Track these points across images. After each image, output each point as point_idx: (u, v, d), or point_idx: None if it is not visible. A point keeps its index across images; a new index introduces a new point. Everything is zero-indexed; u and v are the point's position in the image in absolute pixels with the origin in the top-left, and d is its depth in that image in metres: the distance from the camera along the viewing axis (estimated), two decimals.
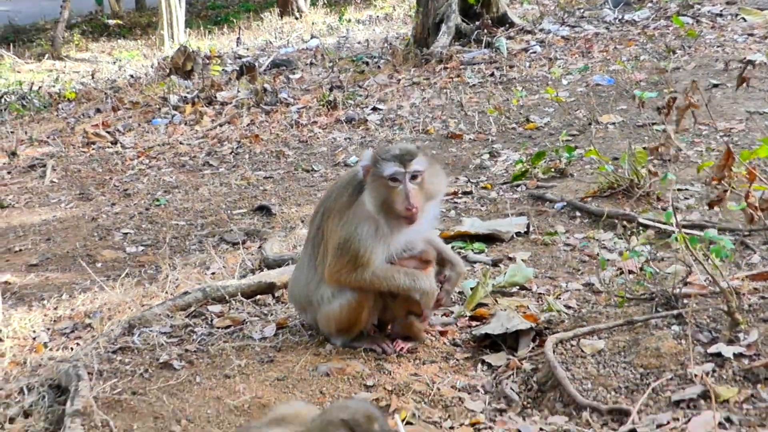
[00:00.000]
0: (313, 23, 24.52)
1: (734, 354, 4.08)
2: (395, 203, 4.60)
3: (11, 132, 14.11)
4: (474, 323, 5.22)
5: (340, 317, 4.84)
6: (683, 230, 4.61)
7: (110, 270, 7.42)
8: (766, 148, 4.30)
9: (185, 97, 14.98)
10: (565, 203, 7.26)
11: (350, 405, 3.12)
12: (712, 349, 4.16)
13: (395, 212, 4.63)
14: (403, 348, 4.90)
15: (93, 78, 19.50)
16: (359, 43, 19.70)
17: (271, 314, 5.61)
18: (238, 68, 16.84)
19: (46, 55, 24.48)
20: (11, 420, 4.50)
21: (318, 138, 11.55)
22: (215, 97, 14.71)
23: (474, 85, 13.17)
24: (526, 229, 6.77)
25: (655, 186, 7.10)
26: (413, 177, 4.63)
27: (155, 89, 15.77)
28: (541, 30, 16.15)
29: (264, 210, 8.67)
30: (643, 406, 3.95)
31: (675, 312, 4.55)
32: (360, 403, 3.25)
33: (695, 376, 4.01)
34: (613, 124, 9.63)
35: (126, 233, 8.47)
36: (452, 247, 6.58)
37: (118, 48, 25.60)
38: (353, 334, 4.91)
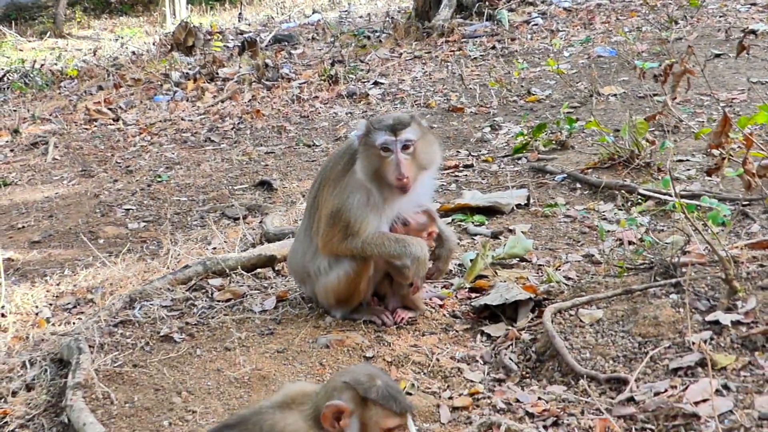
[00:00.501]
0: None
1: (732, 322, 4.08)
2: (386, 173, 4.60)
3: (14, 110, 14.11)
4: (474, 295, 5.23)
5: (339, 288, 4.84)
6: (682, 200, 4.60)
7: (112, 246, 7.43)
8: (764, 115, 4.28)
9: (187, 73, 14.96)
10: (565, 175, 7.26)
11: (351, 368, 3.15)
12: (710, 317, 4.16)
13: (387, 182, 4.63)
14: (403, 319, 4.91)
15: (95, 55, 19.49)
16: (361, 17, 19.65)
17: (272, 287, 5.62)
18: (239, 44, 16.81)
19: (48, 33, 24.45)
20: (14, 393, 4.53)
21: (319, 113, 11.53)
22: (217, 73, 14.69)
23: (475, 58, 13.13)
24: (526, 202, 6.77)
25: (656, 157, 7.09)
26: (405, 147, 4.61)
27: (157, 66, 15.76)
28: (543, 2, 16.10)
29: (265, 185, 8.68)
30: (641, 374, 3.96)
31: (673, 281, 4.54)
32: (361, 365, 3.28)
33: (693, 344, 4.02)
34: (615, 95, 9.60)
35: (128, 209, 8.48)
36: (452, 220, 6.59)
37: (120, 25, 25.57)
38: (352, 305, 4.92)
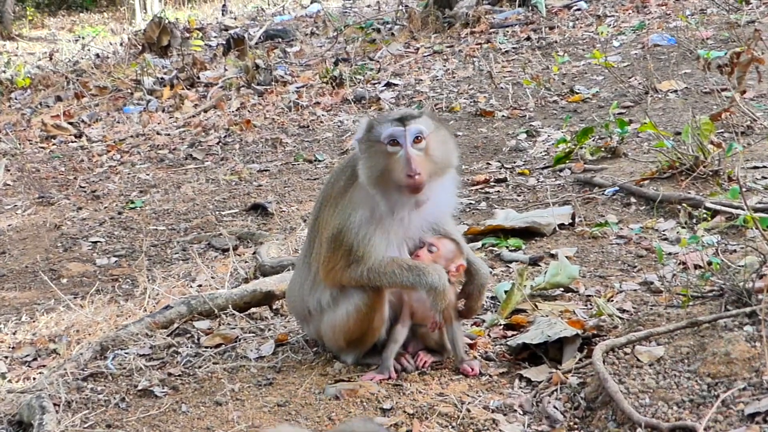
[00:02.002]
0: None
1: None
2: (394, 172, 4.62)
3: None
4: (510, 333, 5.27)
5: (348, 326, 4.88)
6: (757, 214, 4.63)
7: (78, 286, 7.52)
8: None
9: (162, 78, 15.12)
10: (617, 188, 7.31)
11: (355, 428, 3.16)
12: None
13: (395, 183, 4.64)
14: (426, 363, 4.95)
15: (51, 60, 19.68)
16: (369, 6, 19.82)
17: (269, 329, 5.69)
18: (224, 42, 16.99)
19: None
20: None
21: (321, 122, 11.64)
22: (198, 78, 14.84)
23: (507, 51, 13.23)
24: (570, 221, 6.82)
25: (725, 163, 7.12)
26: (416, 140, 4.66)
27: (126, 71, 15.92)
28: None
29: (259, 209, 8.76)
30: (712, 422, 3.98)
31: (748, 310, 4.56)
32: (366, 424, 3.29)
33: None
34: (675, 92, 9.66)
35: (95, 242, 8.57)
36: (483, 245, 6.66)
37: (81, 23, 25.82)
38: (366, 346, 4.96)
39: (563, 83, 11.05)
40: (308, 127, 11.55)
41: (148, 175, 10.63)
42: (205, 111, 13.25)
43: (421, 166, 4.61)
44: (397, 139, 4.64)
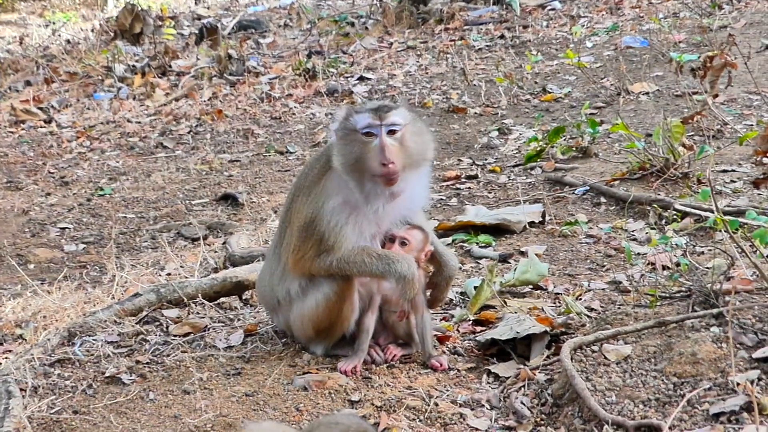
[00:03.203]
0: None
1: None
2: (369, 161, 4.66)
3: None
4: (479, 328, 5.30)
5: (317, 316, 4.89)
6: (725, 216, 4.68)
7: (45, 272, 7.50)
8: None
9: (133, 66, 15.05)
10: (587, 188, 7.36)
11: (339, 421, 3.16)
12: (758, 354, 4.21)
13: (369, 172, 4.68)
14: (396, 356, 4.97)
15: (21, 44, 19.52)
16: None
17: (238, 319, 5.69)
18: (196, 31, 16.94)
19: None
20: None
21: (294, 114, 11.63)
22: (170, 66, 14.79)
23: (480, 49, 13.26)
24: (541, 219, 6.86)
25: (695, 166, 7.19)
26: (391, 131, 4.69)
27: (97, 57, 15.84)
28: None
29: (229, 199, 8.76)
30: (677, 420, 4.00)
31: (715, 311, 4.60)
32: (350, 418, 3.28)
33: (737, 384, 4.07)
34: (647, 93, 9.72)
35: (63, 228, 8.54)
36: (453, 241, 6.68)
37: (51, 8, 25.61)
38: (335, 336, 4.98)
39: (536, 82, 11.09)
40: (280, 118, 11.55)
41: (117, 162, 10.60)
42: (177, 100, 13.22)
43: (395, 156, 4.64)
44: (372, 128, 4.67)
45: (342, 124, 4.77)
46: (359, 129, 4.69)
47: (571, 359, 4.54)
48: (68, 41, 18.75)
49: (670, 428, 3.96)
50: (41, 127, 12.69)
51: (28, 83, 15.31)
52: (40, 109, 13.39)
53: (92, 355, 5.27)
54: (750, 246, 4.70)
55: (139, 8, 17.83)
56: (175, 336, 5.48)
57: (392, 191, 4.72)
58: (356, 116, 4.73)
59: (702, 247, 6.00)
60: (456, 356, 5.07)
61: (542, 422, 4.38)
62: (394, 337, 5.08)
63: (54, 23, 22.52)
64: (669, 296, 5.06)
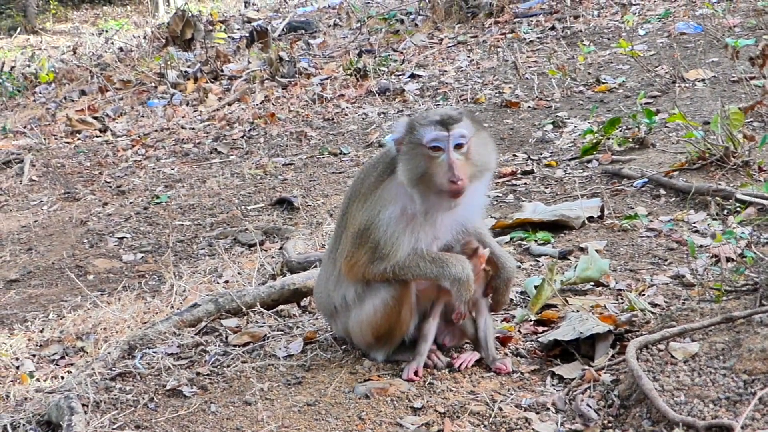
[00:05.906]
0: None
1: None
2: (435, 176, 4.59)
3: None
4: (540, 329, 5.24)
5: (376, 321, 4.84)
6: None
7: (104, 283, 7.53)
8: None
9: (186, 72, 15.13)
10: (646, 180, 7.26)
11: None
12: None
13: (436, 187, 4.61)
14: (463, 362, 4.91)
15: (75, 54, 19.74)
16: None
17: (297, 327, 5.67)
18: (247, 34, 16.99)
19: (18, 29, 24.79)
20: None
21: (346, 114, 11.61)
22: (221, 71, 14.85)
23: (531, 41, 13.17)
24: (599, 213, 6.77)
25: (756, 154, 7.07)
26: (458, 145, 4.62)
27: (150, 64, 15.95)
28: None
29: (285, 203, 8.75)
30: (749, 419, 3.94)
31: None
32: None
33: None
34: (703, 80, 9.59)
35: (121, 238, 8.58)
36: (511, 239, 6.61)
37: (104, 16, 25.90)
38: (395, 342, 4.92)
39: (589, 73, 10.98)
40: (333, 119, 11.54)
41: (173, 169, 10.64)
42: (230, 104, 13.26)
43: (463, 171, 4.58)
44: (439, 142, 4.60)
45: (407, 137, 4.69)
46: (425, 143, 4.61)
47: (637, 359, 4.47)
48: (121, 49, 18.92)
49: (742, 428, 3.89)
50: (97, 136, 12.79)
51: (82, 93, 15.45)
52: (95, 118, 13.50)
53: (153, 367, 5.26)
54: None
55: (190, 14, 17.94)
56: (234, 346, 5.46)
57: (456, 203, 4.66)
58: (421, 129, 4.63)
59: (767, 238, 5.88)
60: (519, 358, 5.00)
61: (609, 425, 4.31)
62: (460, 339, 5.03)
63: (107, 31, 22.74)
64: (735, 290, 4.97)
